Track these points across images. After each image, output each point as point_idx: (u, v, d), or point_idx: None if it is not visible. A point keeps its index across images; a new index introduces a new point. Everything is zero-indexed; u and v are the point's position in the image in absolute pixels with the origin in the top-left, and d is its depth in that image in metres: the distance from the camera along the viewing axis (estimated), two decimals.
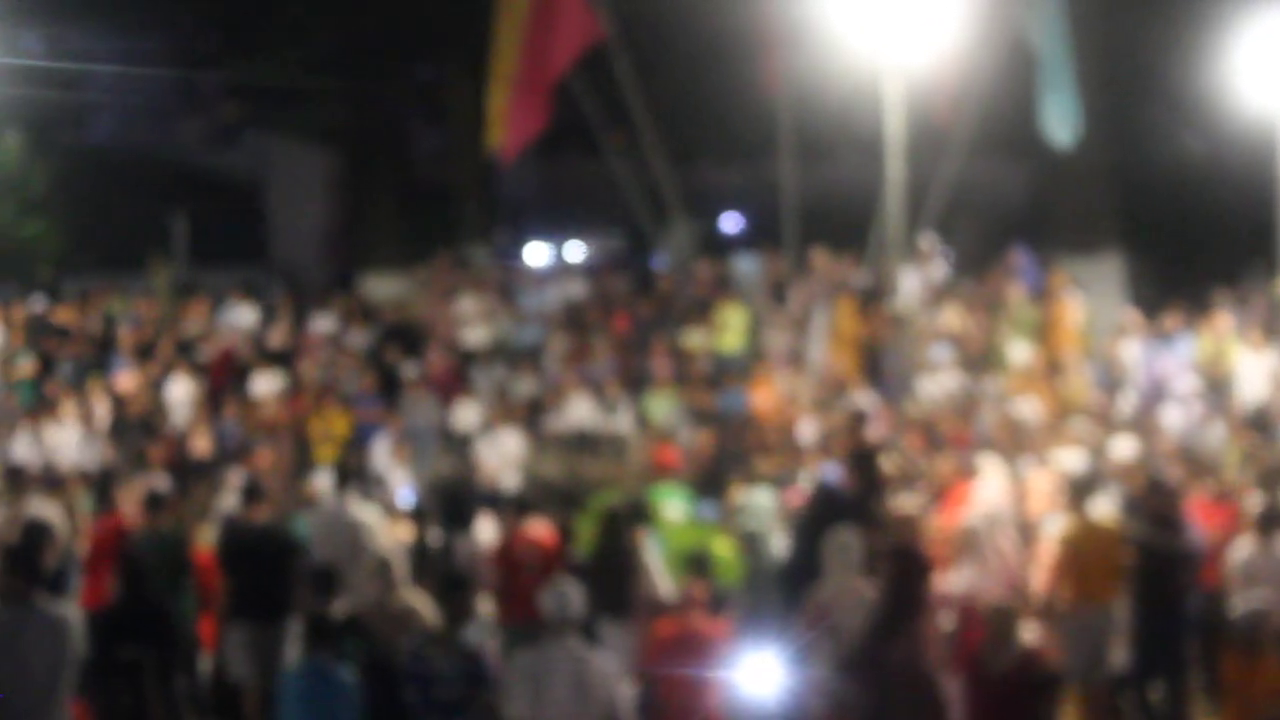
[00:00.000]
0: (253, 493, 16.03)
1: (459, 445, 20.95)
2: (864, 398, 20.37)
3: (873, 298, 22.73)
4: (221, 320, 26.53)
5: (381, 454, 19.99)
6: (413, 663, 11.50)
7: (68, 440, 20.79)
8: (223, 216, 38.04)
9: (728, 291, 24.67)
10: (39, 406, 22.25)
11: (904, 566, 11.90)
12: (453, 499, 16.90)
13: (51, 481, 17.98)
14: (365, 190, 34.07)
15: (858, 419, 18.48)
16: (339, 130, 34.78)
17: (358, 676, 11.80)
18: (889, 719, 10.97)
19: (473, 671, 11.46)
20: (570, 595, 11.32)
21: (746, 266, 26.32)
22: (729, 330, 23.65)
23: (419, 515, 16.53)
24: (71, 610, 12.11)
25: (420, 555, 15.80)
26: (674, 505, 16.31)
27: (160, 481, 17.58)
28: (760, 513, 16.54)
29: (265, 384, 23.09)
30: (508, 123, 22.44)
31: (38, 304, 28.05)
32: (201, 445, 20.50)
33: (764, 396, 21.26)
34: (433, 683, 11.36)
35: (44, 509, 16.41)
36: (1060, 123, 22.34)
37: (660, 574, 14.42)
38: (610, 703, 11.15)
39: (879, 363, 22.15)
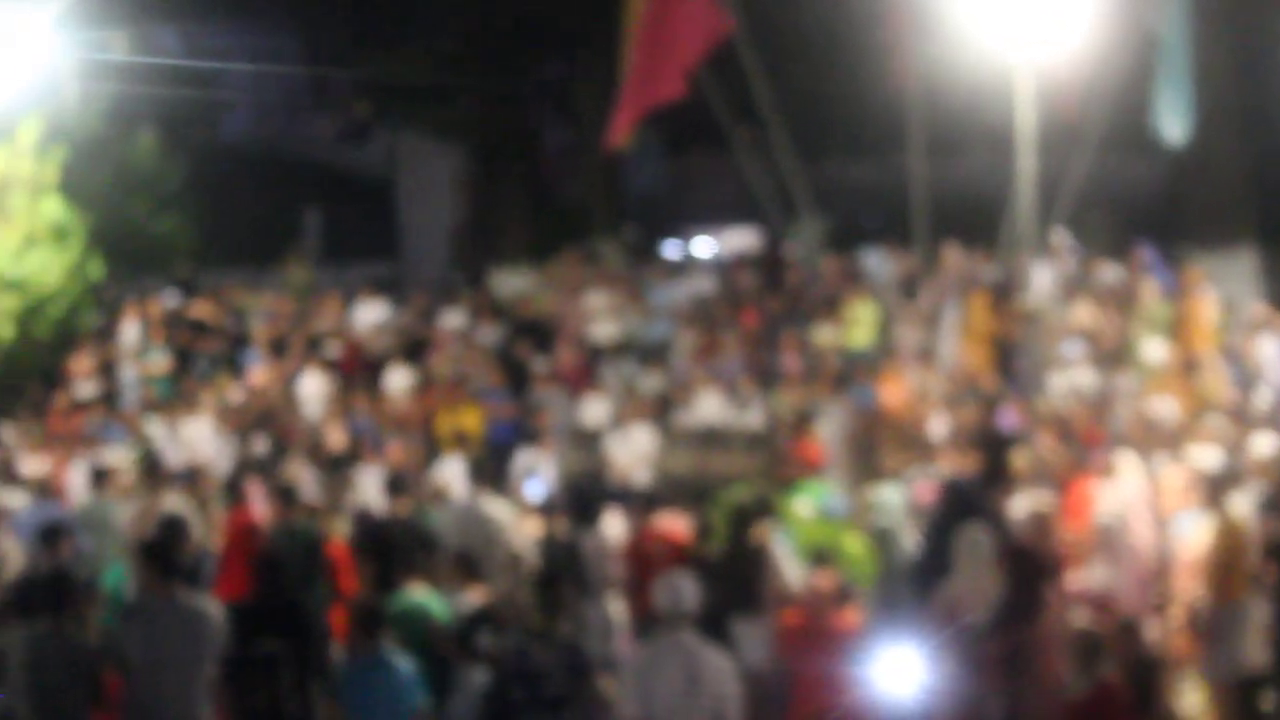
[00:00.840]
0: (395, 486, 16.15)
1: (588, 441, 20.97)
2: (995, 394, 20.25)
3: (1004, 293, 22.56)
4: (352, 316, 26.74)
5: (521, 449, 20.06)
6: (517, 660, 11.46)
7: (202, 435, 21.00)
8: (354, 213, 38.36)
9: (857, 287, 24.56)
10: (174, 401, 22.54)
11: (1023, 565, 11.80)
12: (582, 494, 16.92)
13: (186, 476, 18.17)
14: (495, 186, 34.22)
15: (990, 404, 18.36)
16: (469, 127, 34.96)
17: (488, 669, 11.80)
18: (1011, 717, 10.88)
19: (575, 665, 11.41)
20: (684, 588, 11.18)
21: (876, 262, 26.21)
22: (858, 325, 23.53)
23: (548, 510, 16.57)
24: (212, 604, 12.26)
25: (549, 550, 15.84)
26: (805, 501, 16.24)
27: (294, 476, 17.74)
28: (891, 509, 16.48)
29: (396, 379, 23.26)
30: (617, 111, 22.39)
31: (173, 300, 28.40)
32: (335, 439, 20.65)
33: (894, 392, 21.14)
34: (537, 679, 11.32)
35: (177, 503, 16.61)
36: (1172, 117, 22.10)
37: (790, 569, 14.38)
38: (722, 700, 10.97)
39: (1010, 359, 22.00)
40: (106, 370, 24.47)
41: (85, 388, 23.85)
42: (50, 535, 14.57)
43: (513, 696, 11.36)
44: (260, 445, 20.63)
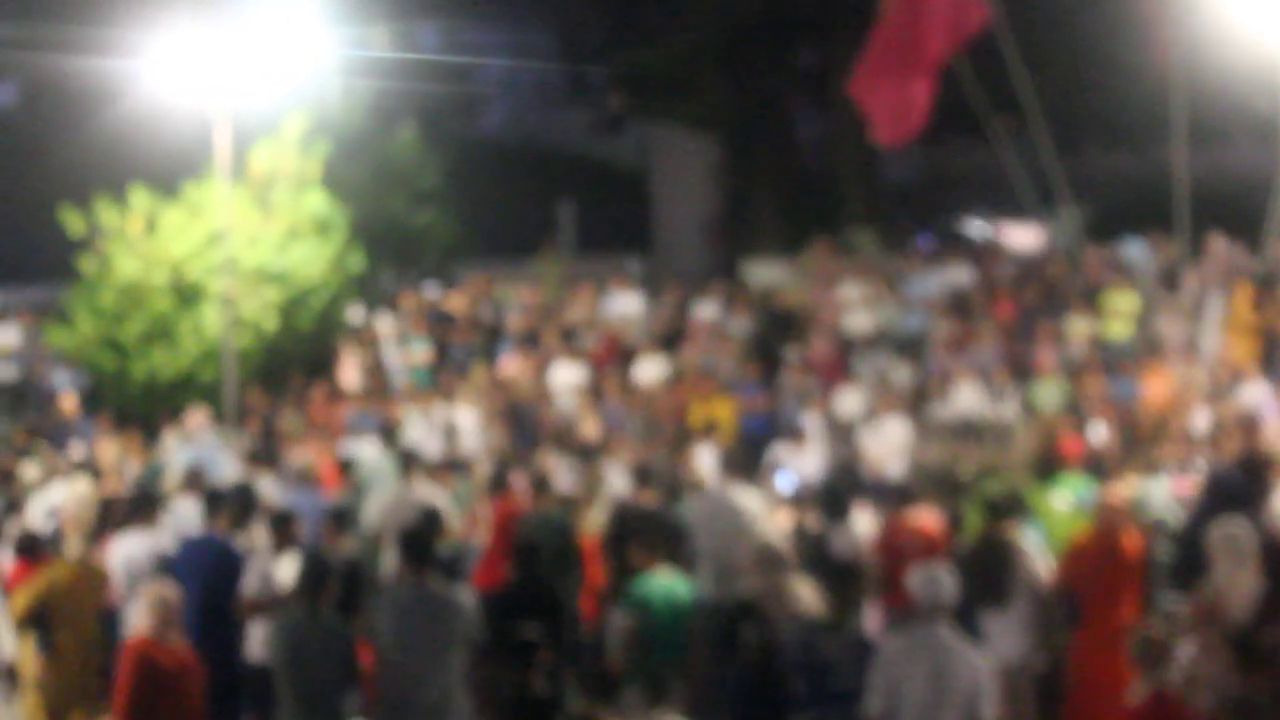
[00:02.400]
0: (643, 476, 16.21)
1: (841, 433, 20.86)
2: (1259, 388, 19.76)
3: (1268, 285, 22.02)
4: (605, 307, 26.90)
5: (775, 441, 20.04)
6: (802, 652, 11.38)
7: (460, 425, 21.25)
8: (608, 205, 38.59)
9: (1116, 278, 24.13)
10: (433, 392, 22.87)
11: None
12: (834, 486, 16.83)
13: (446, 466, 18.40)
14: (748, 177, 34.18)
15: (1249, 424, 17.88)
16: (723, 118, 34.96)
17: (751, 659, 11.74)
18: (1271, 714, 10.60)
19: (865, 659, 11.30)
20: (943, 580, 11.06)
21: (1136, 253, 25.72)
22: (1117, 317, 23.13)
23: (799, 502, 16.50)
24: (465, 592, 12.42)
25: (800, 542, 15.78)
26: (1063, 495, 16.00)
27: (547, 466, 17.88)
28: (1157, 502, 16.16)
29: (648, 369, 23.35)
30: (891, 109, 22.23)
31: (431, 292, 28.82)
32: (589, 429, 20.78)
33: (1156, 385, 20.74)
34: (824, 672, 11.24)
35: (432, 493, 16.83)
36: None
37: (1042, 564, 14.17)
38: (973, 697, 10.79)
39: (1275, 352, 21.46)
40: (369, 361, 24.89)
41: (346, 378, 24.28)
42: (333, 521, 14.93)
43: (796, 688, 11.30)
44: (514, 436, 20.83)
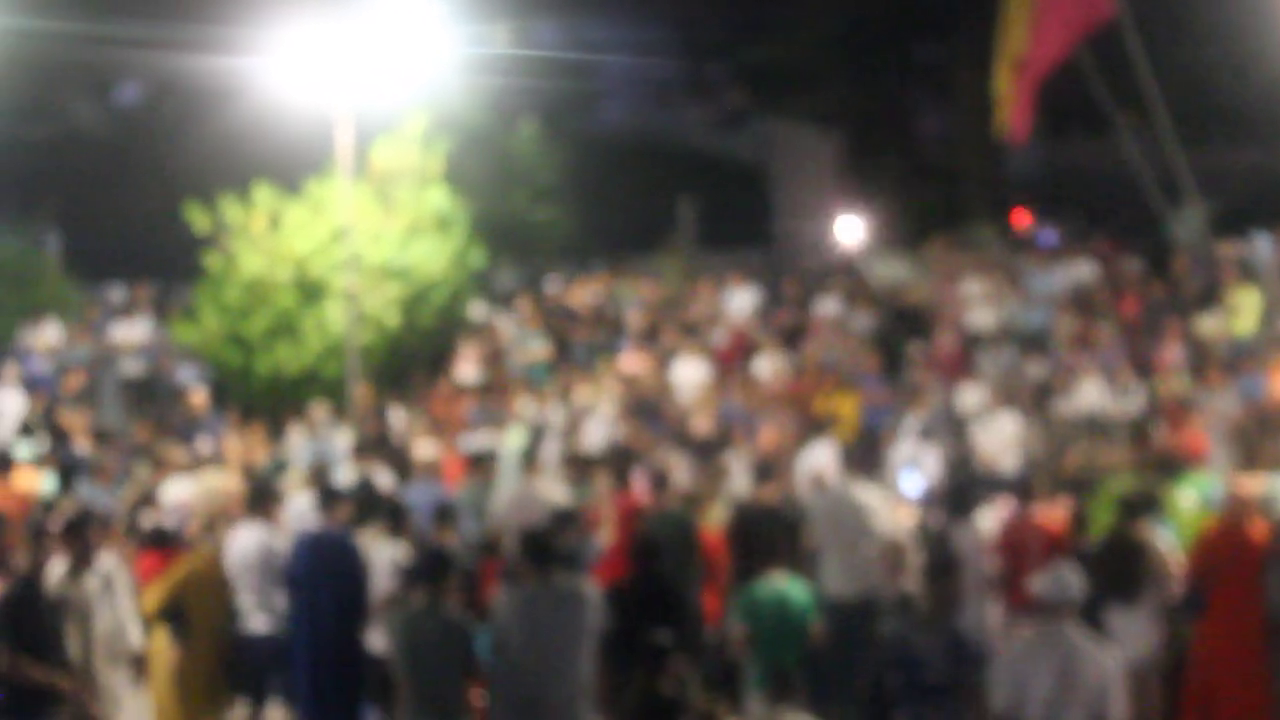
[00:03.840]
0: (763, 472, 16.18)
1: (963, 428, 20.76)
2: None
3: None
4: (725, 303, 26.88)
5: (904, 437, 19.94)
6: (897, 647, 11.36)
7: (582, 421, 21.29)
8: (728, 200, 38.52)
9: (1240, 274, 23.85)
10: (553, 387, 22.93)
11: None
12: (960, 485, 16.72)
13: (567, 461, 18.43)
14: (869, 172, 34.06)
15: None
16: (844, 113, 34.88)
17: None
18: None
19: (960, 655, 11.26)
20: (1069, 580, 10.97)
21: (1263, 248, 25.42)
22: (1242, 314, 22.86)
23: (924, 500, 16.43)
24: (588, 584, 12.44)
25: (922, 540, 15.71)
26: (1188, 492, 15.82)
27: (667, 462, 17.87)
28: None
29: (769, 365, 23.31)
30: (1015, 103, 22.07)
31: (551, 287, 28.92)
32: (703, 425, 20.75)
33: None
34: (918, 667, 11.21)
35: (554, 489, 16.86)
36: None
37: (1172, 561, 14.03)
38: (1101, 695, 10.68)
39: None
40: (489, 357, 25.00)
41: (467, 373, 24.39)
42: (440, 516, 14.99)
43: (888, 683, 11.29)
44: (637, 430, 20.84)
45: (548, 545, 12.52)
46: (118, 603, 13.61)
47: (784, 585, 13.65)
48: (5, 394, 23.29)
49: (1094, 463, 17.53)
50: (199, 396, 23.26)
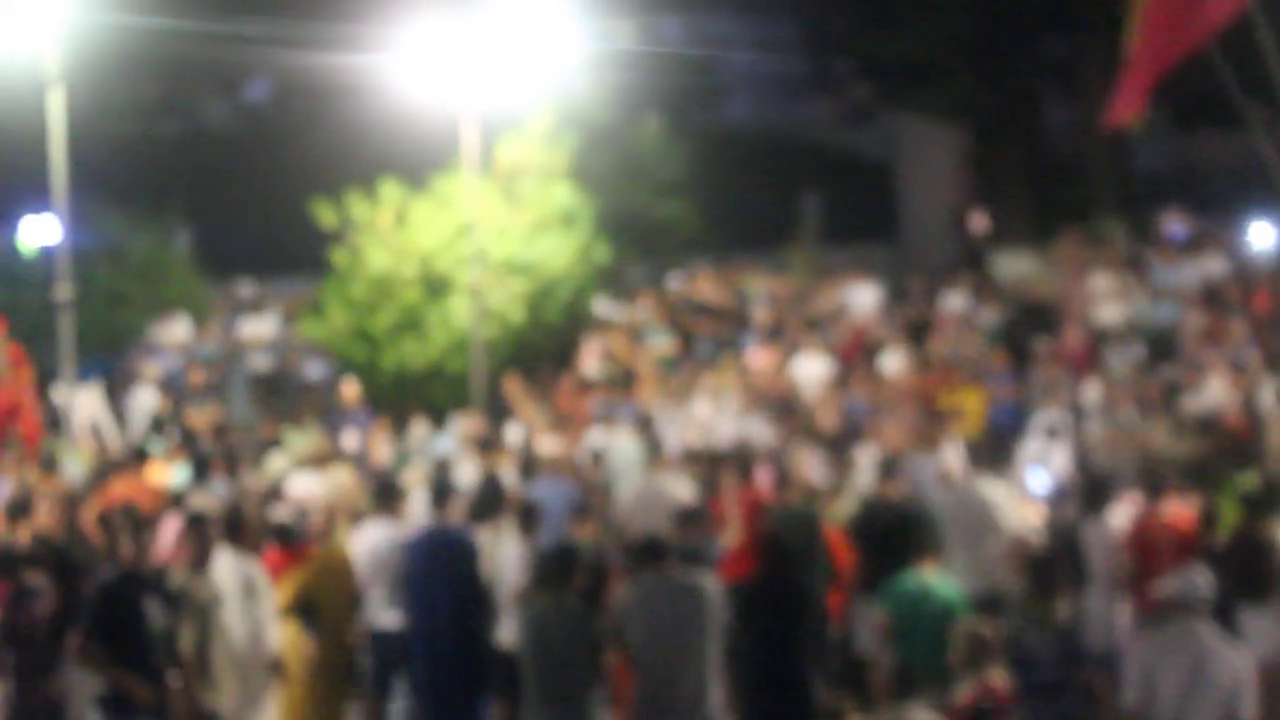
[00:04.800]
0: (888, 469, 16.11)
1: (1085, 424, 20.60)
2: None
3: None
4: (850, 298, 26.80)
5: (1032, 434, 19.82)
6: (1009, 646, 11.24)
7: (707, 416, 21.29)
8: (854, 196, 38.33)
9: None
10: (679, 382, 22.93)
11: None
12: (1091, 480, 16.56)
13: (692, 458, 18.42)
14: (995, 167, 33.81)
15: None
16: (970, 107, 34.64)
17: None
18: None
19: (1069, 653, 11.17)
20: (1198, 581, 10.85)
21: None
22: None
23: (1054, 496, 16.31)
24: (709, 579, 12.43)
25: (1050, 537, 15.58)
26: None
27: (794, 458, 17.80)
28: None
29: (894, 361, 23.21)
30: (1123, 89, 21.78)
31: (676, 283, 28.91)
32: (827, 421, 20.68)
33: None
34: (1027, 665, 11.11)
35: (678, 484, 16.86)
36: None
37: None
38: (1233, 695, 10.55)
39: None
40: (614, 352, 25.01)
41: (593, 369, 24.44)
42: (578, 512, 15.05)
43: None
44: (762, 427, 20.81)
45: (658, 542, 12.54)
46: (259, 606, 13.58)
47: (930, 579, 13.44)
48: (140, 391, 23.53)
49: (1222, 459, 17.36)
50: (351, 389, 23.18)
